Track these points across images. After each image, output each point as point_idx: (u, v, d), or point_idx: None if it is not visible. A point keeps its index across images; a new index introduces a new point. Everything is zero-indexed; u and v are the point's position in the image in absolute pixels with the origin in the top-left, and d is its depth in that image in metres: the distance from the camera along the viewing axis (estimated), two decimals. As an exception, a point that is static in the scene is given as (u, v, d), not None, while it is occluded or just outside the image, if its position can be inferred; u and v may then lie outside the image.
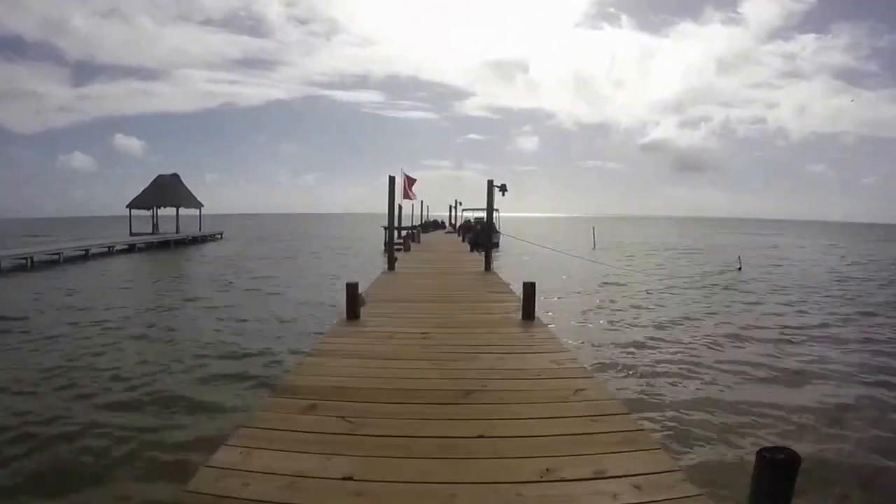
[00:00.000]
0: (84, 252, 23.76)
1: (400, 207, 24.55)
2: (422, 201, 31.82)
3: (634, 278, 16.25)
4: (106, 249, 25.74)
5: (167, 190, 34.32)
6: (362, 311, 5.70)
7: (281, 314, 10.54)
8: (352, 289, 5.63)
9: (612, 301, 12.46)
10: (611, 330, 9.41)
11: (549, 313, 9.58)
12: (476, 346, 4.50)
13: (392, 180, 10.12)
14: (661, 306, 11.88)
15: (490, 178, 10.89)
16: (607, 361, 7.21)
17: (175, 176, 35.77)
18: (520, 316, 5.64)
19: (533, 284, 5.60)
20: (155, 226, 33.94)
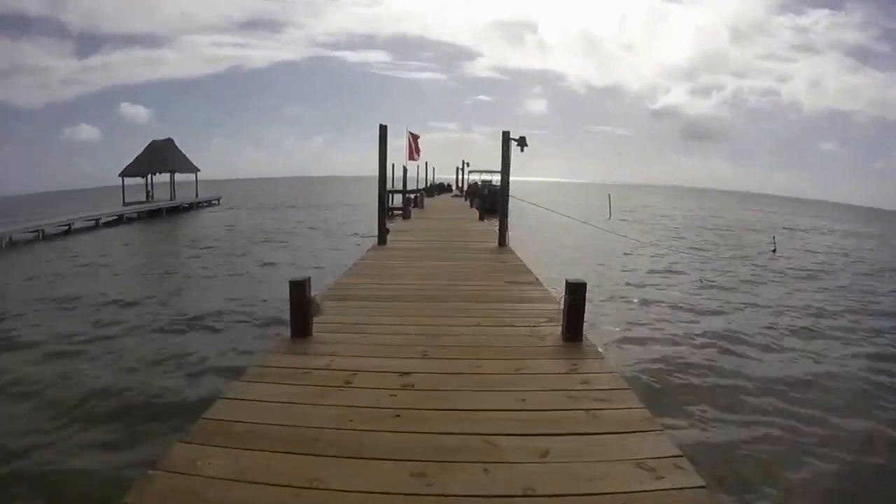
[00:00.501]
0: (67, 227, 22.13)
1: (404, 169, 22.57)
2: (426, 163, 29.59)
3: (676, 258, 13.82)
4: (93, 223, 24.05)
5: (160, 155, 32.52)
6: (315, 322, 3.73)
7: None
8: (298, 291, 3.63)
9: (658, 302, 9.12)
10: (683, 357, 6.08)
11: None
12: (495, 410, 2.46)
13: (383, 129, 7.97)
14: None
15: (506, 130, 8.66)
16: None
17: (169, 140, 33.97)
18: (558, 332, 3.65)
19: (582, 287, 3.45)
20: (149, 193, 32.37)
